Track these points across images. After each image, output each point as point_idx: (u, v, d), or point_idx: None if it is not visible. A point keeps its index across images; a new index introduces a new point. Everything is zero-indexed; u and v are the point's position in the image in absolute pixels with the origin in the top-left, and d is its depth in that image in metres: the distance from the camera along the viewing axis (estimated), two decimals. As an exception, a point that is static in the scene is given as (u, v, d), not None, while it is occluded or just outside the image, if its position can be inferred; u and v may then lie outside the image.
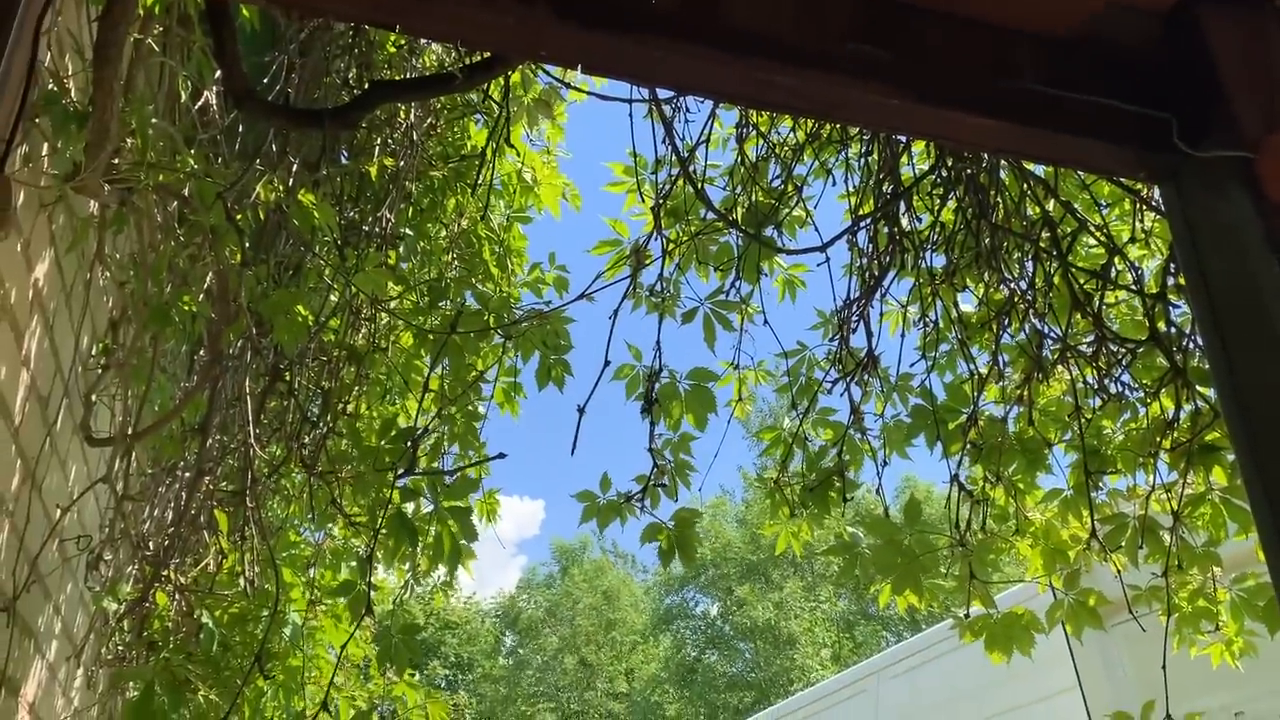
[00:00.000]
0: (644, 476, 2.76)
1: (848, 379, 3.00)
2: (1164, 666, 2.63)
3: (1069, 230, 2.70)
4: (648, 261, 2.85)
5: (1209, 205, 2.16)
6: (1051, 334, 2.78)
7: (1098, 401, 2.78)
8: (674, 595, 33.46)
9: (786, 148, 3.14)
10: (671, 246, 3.05)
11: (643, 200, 3.18)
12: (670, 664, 31.88)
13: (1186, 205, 2.20)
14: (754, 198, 3.09)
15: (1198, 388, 2.57)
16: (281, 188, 2.80)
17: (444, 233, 3.31)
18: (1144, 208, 2.82)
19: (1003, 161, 2.84)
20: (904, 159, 3.02)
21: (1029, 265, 2.95)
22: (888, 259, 2.95)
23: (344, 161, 3.36)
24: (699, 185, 2.77)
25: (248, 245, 2.63)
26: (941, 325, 3.17)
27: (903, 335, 3.19)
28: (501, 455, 2.62)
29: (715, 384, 3.12)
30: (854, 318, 2.98)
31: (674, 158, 2.72)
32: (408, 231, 3.41)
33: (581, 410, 2.57)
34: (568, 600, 33.01)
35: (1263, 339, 2.03)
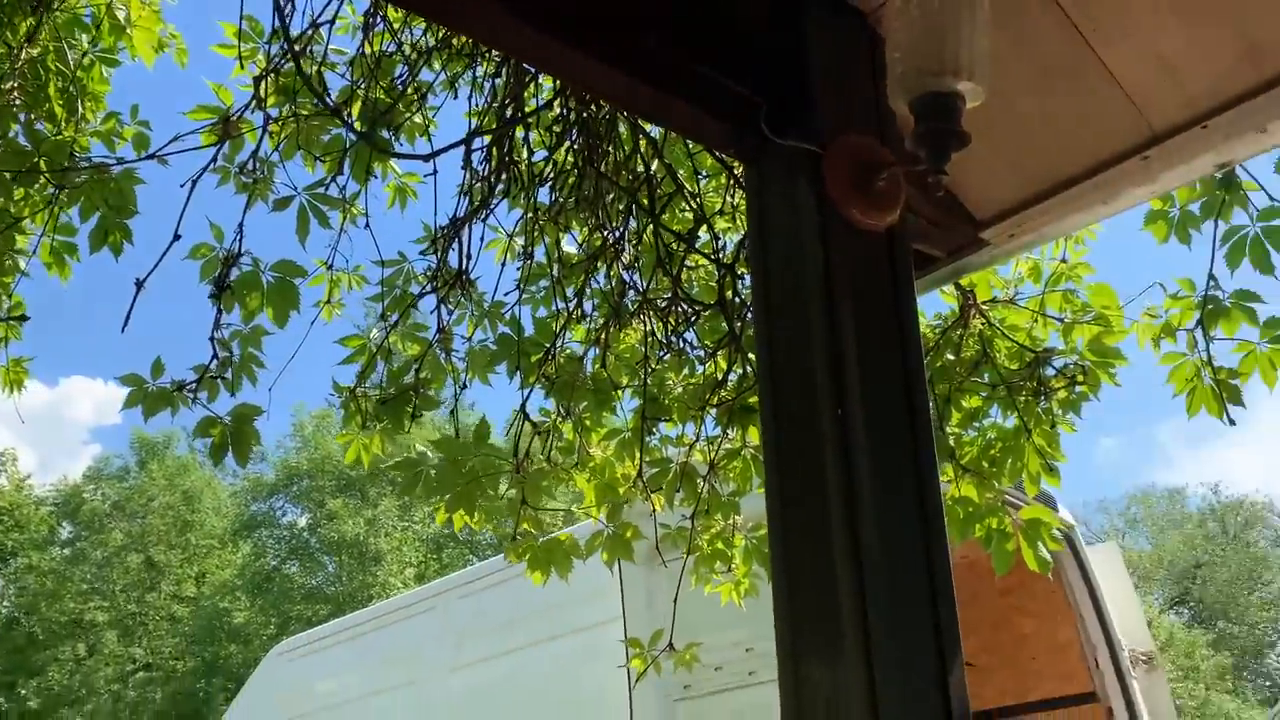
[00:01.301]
0: (202, 366, 2.58)
1: (441, 297, 2.98)
2: (675, 600, 2.91)
3: (668, 192, 2.86)
4: (238, 133, 2.65)
5: (780, 192, 2.34)
6: (635, 286, 2.94)
7: (666, 355, 2.98)
8: (261, 503, 32.15)
9: (416, 51, 3.04)
10: (275, 126, 2.86)
11: (254, 69, 2.95)
12: (246, 572, 30.66)
13: (763, 188, 2.37)
14: (374, 95, 2.97)
15: (749, 355, 2.82)
16: None
17: (7, 57, 2.86)
18: (736, 185, 3.03)
19: (621, 114, 2.94)
20: (531, 90, 3.04)
21: (631, 220, 3.08)
22: (498, 184, 2.96)
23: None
24: (309, 69, 2.61)
25: None
26: (546, 261, 3.24)
27: (504, 264, 3.22)
28: (22, 317, 2.32)
29: (305, 281, 2.99)
30: (457, 237, 2.97)
31: (283, 32, 2.54)
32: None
33: (139, 284, 2.35)
34: (140, 496, 30.64)
35: (799, 321, 2.25)
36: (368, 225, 3.04)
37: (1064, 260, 3.16)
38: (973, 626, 7.36)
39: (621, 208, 2.95)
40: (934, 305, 3.40)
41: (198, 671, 28.38)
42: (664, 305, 2.90)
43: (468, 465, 2.83)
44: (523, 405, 2.85)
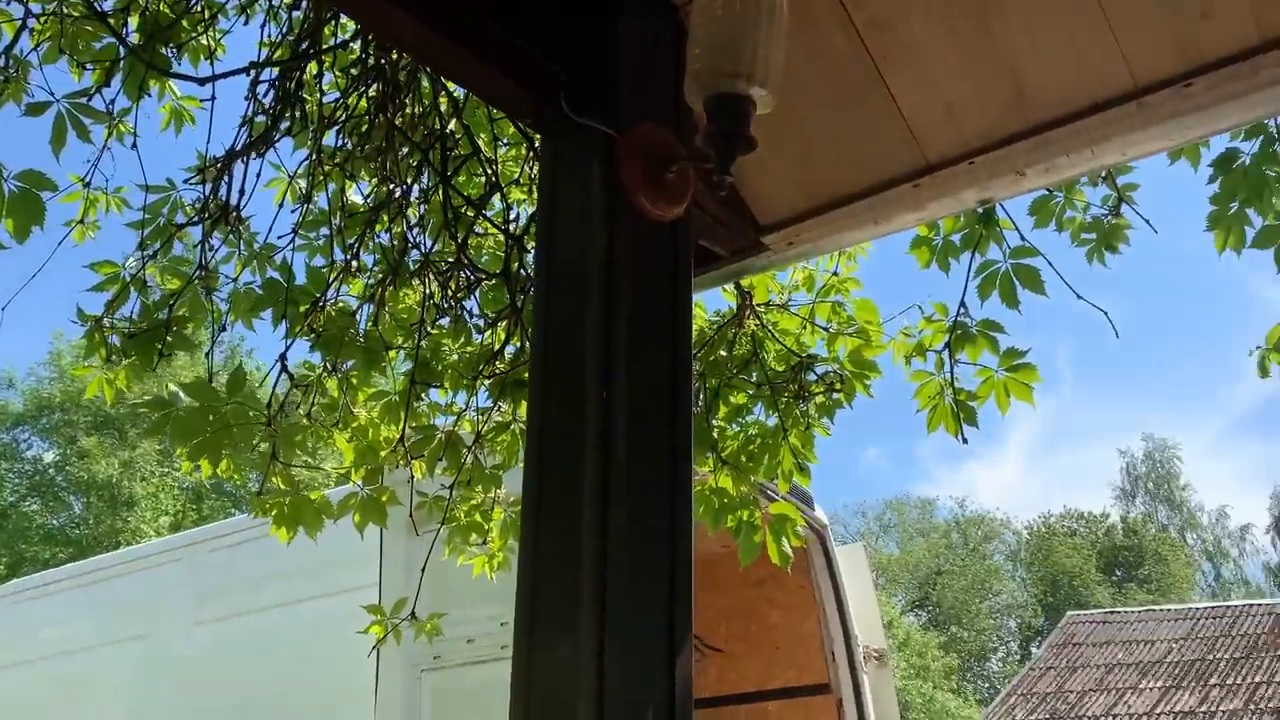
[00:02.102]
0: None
1: (207, 231, 2.81)
2: (423, 569, 2.87)
3: (462, 154, 2.80)
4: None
5: (573, 170, 2.34)
6: (419, 245, 2.87)
7: (447, 322, 2.92)
8: (4, 433, 29.57)
9: (206, -34, 2.85)
10: (39, 24, 2.61)
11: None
12: (-21, 510, 28.17)
13: (557, 163, 2.36)
14: (157, 6, 2.76)
15: (529, 329, 2.81)
16: None
17: None
18: (535, 158, 3.01)
19: (424, 69, 2.86)
20: (331, 29, 2.91)
21: (423, 178, 3.01)
22: (282, 121, 2.81)
23: None
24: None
25: None
26: (328, 209, 3.12)
27: (281, 206, 3.07)
28: None
29: (55, 196, 2.75)
30: (230, 170, 2.80)
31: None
32: None
33: None
34: None
35: (577, 301, 2.25)
36: (135, 146, 2.83)
37: (835, 274, 3.32)
38: (725, 614, 7.65)
39: (414, 163, 2.87)
40: (714, 302, 3.50)
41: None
42: (446, 269, 2.84)
43: (220, 411, 2.68)
44: (283, 355, 2.73)
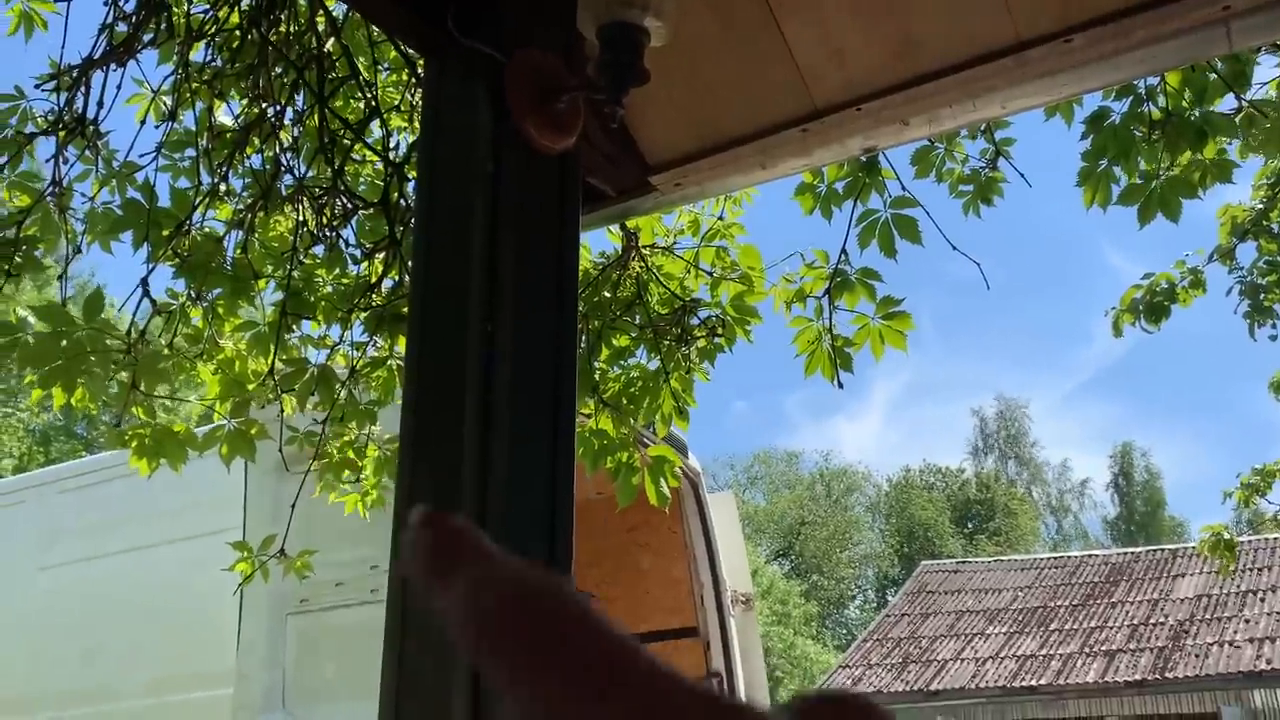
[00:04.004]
0: None
1: (61, 144, 2.62)
2: (293, 506, 2.78)
3: (340, 76, 2.68)
4: None
5: (458, 94, 2.26)
6: (292, 170, 2.74)
7: (322, 251, 2.81)
8: None
9: None
10: None
11: None
12: None
13: (441, 86, 2.28)
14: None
15: (409, 262, 2.73)
16: None
17: None
18: (417, 83, 2.91)
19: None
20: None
21: (298, 99, 2.87)
22: (145, 30, 2.63)
23: None
24: None
25: None
26: (196, 127, 2.94)
27: (144, 123, 2.88)
28: None
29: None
30: (87, 81, 2.61)
31: None
32: None
33: None
34: None
35: (459, 230, 2.19)
36: (-21, 49, 2.60)
37: (721, 218, 3.32)
38: (598, 558, 7.71)
39: (288, 83, 2.73)
40: (599, 244, 3.47)
41: None
42: (321, 195, 2.72)
43: (74, 337, 2.52)
44: (144, 279, 2.58)
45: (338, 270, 2.87)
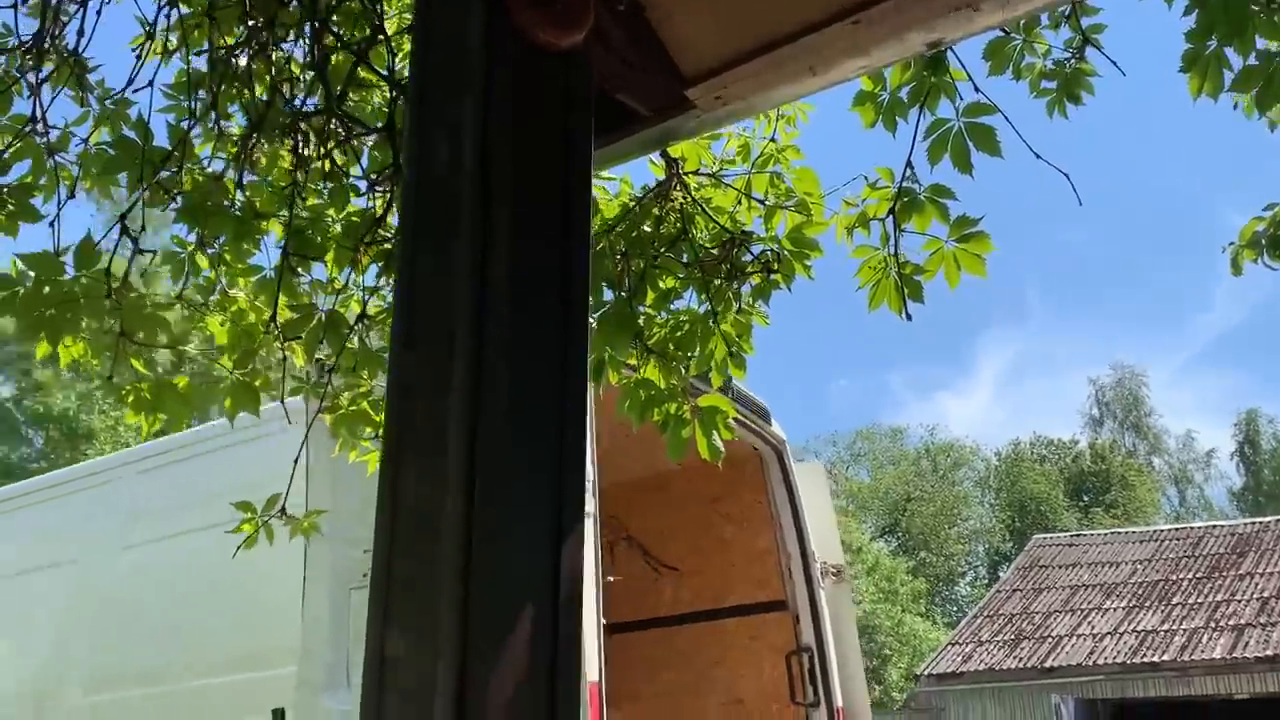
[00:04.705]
0: None
1: (38, 78, 2.43)
2: (295, 463, 2.57)
3: (339, -6, 2.43)
4: None
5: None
6: (294, 101, 2.50)
7: (330, 188, 2.57)
8: (-45, 367, 28.91)
9: None
10: None
11: None
12: (-66, 440, 27.64)
13: None
14: None
15: (420, 195, 2.47)
16: None
17: None
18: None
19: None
20: None
21: (293, 35, 2.62)
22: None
23: None
24: None
25: None
26: (185, 52, 2.71)
27: (139, 57, 2.66)
28: None
29: None
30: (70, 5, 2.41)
31: None
32: None
33: None
34: None
35: (451, 139, 1.92)
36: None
37: (774, 140, 2.99)
38: (679, 531, 7.45)
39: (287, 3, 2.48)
40: (643, 178, 3.16)
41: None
42: (318, 121, 2.48)
43: (62, 286, 2.34)
44: (123, 216, 2.37)
45: (347, 208, 2.63)
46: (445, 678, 1.58)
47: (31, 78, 2.46)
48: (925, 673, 20.82)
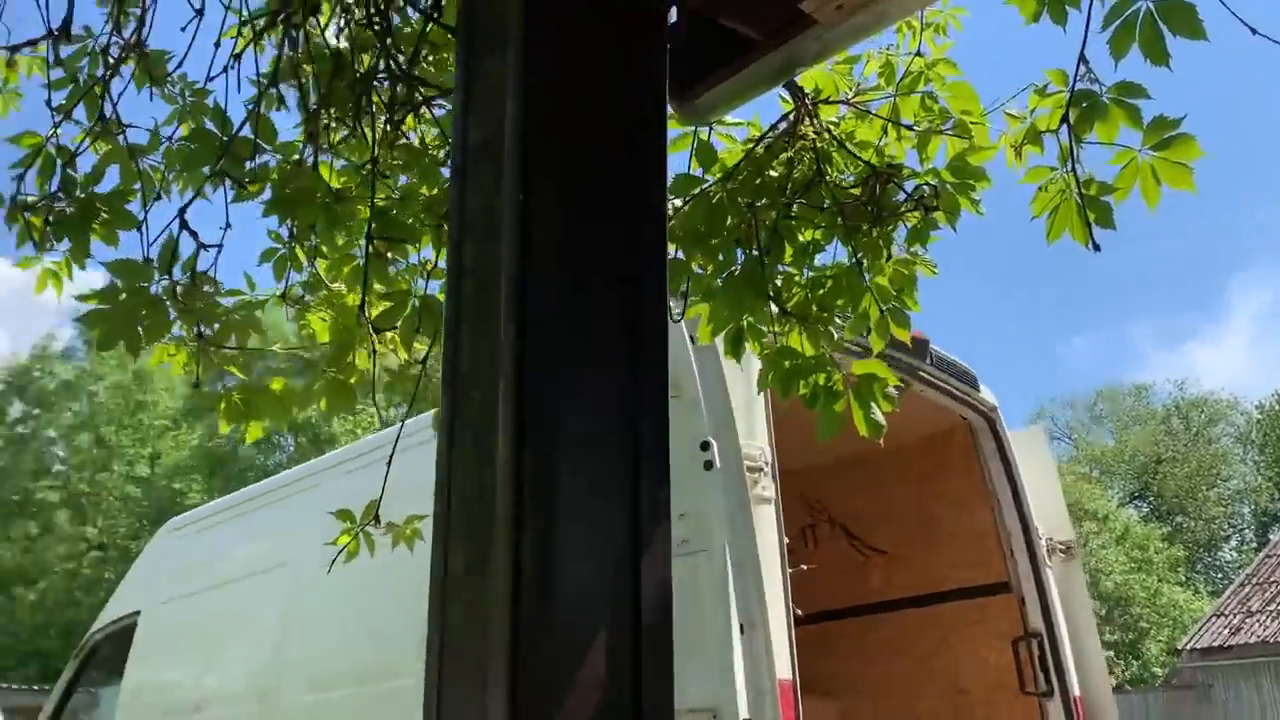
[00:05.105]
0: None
1: (109, 74, 2.31)
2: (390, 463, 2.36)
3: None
4: None
5: None
6: (353, 60, 2.28)
7: (408, 163, 2.34)
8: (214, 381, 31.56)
9: None
10: None
11: None
12: (201, 451, 30.29)
13: None
14: None
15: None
16: None
17: None
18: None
19: None
20: None
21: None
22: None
23: None
24: None
25: None
26: (299, 57, 2.57)
27: (218, 45, 2.51)
28: None
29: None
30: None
31: None
32: None
33: None
34: (90, 376, 30.00)
35: (496, 81, 1.66)
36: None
37: (921, 54, 2.53)
38: (889, 513, 6.95)
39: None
40: (770, 115, 2.76)
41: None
42: (387, 89, 2.24)
43: (141, 292, 2.22)
44: (182, 210, 2.21)
45: (436, 183, 2.39)
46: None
47: (112, 80, 2.36)
48: (1188, 647, 19.15)
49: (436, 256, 2.37)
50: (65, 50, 2.38)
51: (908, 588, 6.82)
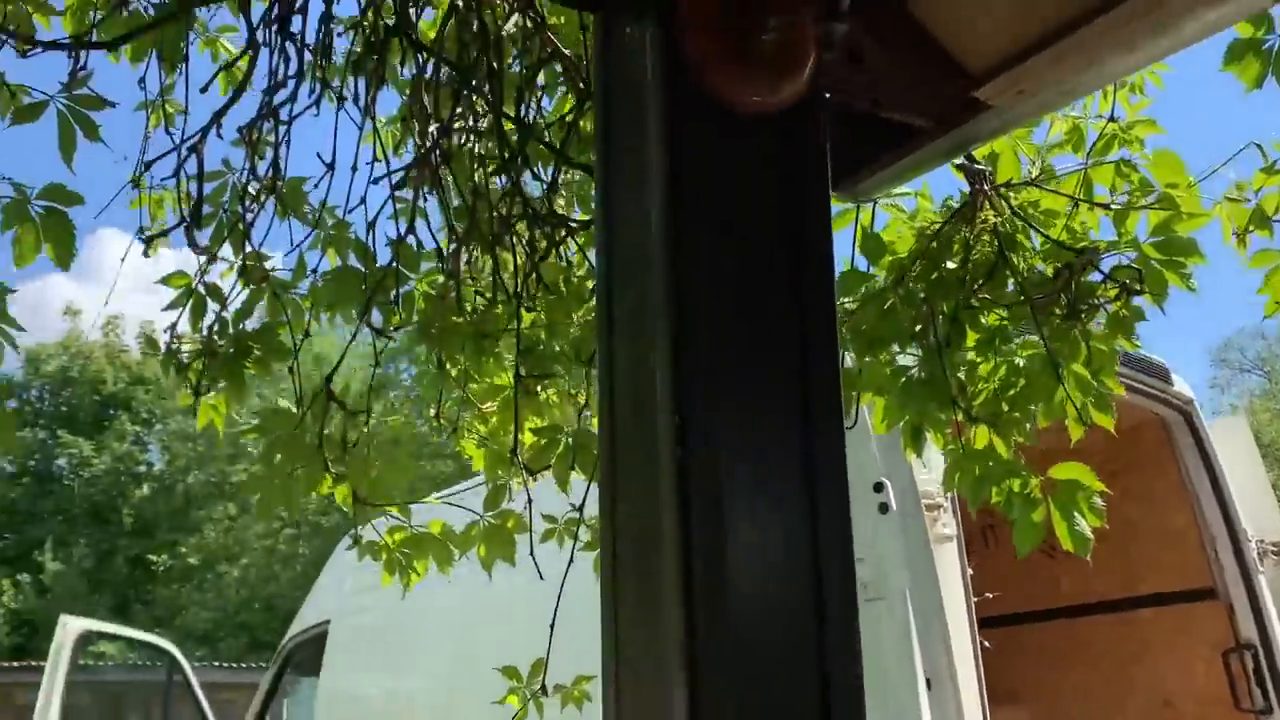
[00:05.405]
0: None
1: (250, 201, 2.23)
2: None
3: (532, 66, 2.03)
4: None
5: (621, 52, 1.61)
6: (487, 193, 2.15)
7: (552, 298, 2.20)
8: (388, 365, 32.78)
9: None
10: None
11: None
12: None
13: (609, 50, 1.63)
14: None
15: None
16: None
17: None
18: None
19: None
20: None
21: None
22: (306, 74, 2.17)
23: None
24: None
25: None
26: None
27: (358, 168, 2.42)
28: None
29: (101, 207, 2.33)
30: (274, 127, 2.21)
31: None
32: None
33: None
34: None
35: (639, 238, 1.54)
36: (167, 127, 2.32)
37: (1114, 119, 2.22)
38: (1075, 512, 6.52)
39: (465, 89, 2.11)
40: (942, 189, 2.50)
41: (342, 527, 29.55)
42: (523, 226, 2.10)
43: (297, 441, 2.17)
44: (328, 378, 2.14)
45: (579, 312, 2.25)
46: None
47: (250, 215, 2.31)
48: None
49: (587, 395, 2.25)
50: (205, 204, 2.33)
51: (1101, 592, 6.42)
